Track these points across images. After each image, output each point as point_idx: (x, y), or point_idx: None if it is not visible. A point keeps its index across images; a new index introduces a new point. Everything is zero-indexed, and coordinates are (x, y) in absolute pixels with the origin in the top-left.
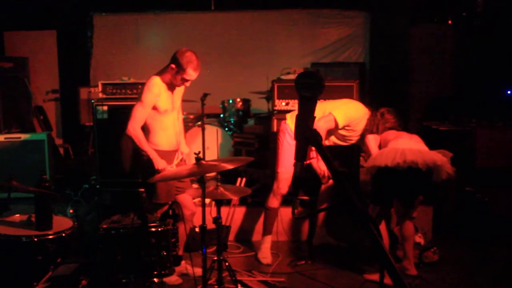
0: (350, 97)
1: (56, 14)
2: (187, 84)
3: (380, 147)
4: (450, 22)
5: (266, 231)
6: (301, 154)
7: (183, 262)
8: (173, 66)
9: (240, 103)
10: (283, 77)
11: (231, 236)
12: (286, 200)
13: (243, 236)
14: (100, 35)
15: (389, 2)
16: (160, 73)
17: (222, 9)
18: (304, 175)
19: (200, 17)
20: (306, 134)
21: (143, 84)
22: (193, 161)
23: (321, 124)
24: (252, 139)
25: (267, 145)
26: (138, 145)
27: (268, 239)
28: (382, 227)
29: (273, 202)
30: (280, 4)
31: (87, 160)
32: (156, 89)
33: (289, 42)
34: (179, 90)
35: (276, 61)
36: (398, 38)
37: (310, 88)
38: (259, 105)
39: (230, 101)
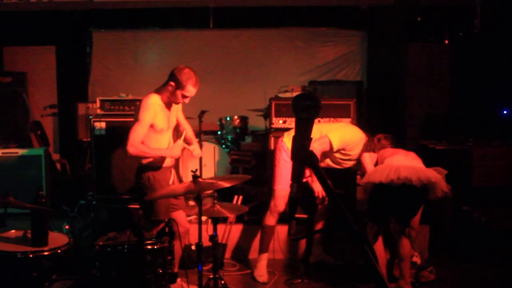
0: (347, 115)
1: (55, 30)
2: (186, 101)
3: (377, 164)
4: (446, 41)
5: (263, 249)
6: (297, 175)
7: (178, 279)
8: (172, 83)
9: (238, 121)
10: (280, 95)
11: (227, 254)
12: (283, 218)
13: (240, 254)
14: (99, 51)
15: (386, 22)
16: (158, 91)
17: (220, 26)
18: (300, 196)
19: (198, 34)
20: (303, 155)
21: (141, 101)
22: (190, 178)
23: (315, 146)
24: (249, 156)
25: (264, 162)
26: (146, 156)
27: (265, 257)
28: (379, 245)
29: (270, 220)
30: (278, 22)
31: (84, 176)
32: (152, 108)
33: (287, 60)
34: (175, 109)
35: (274, 79)
36: (395, 57)
37: (307, 110)
38: (257, 122)
39: (228, 119)
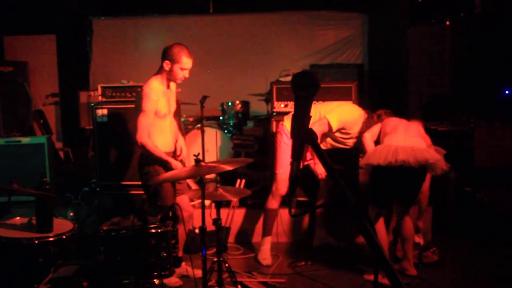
0: (349, 98)
1: (55, 18)
2: (186, 74)
3: (379, 138)
4: (448, 22)
5: (266, 232)
6: (297, 154)
7: (183, 263)
8: (167, 62)
9: (239, 105)
10: (281, 79)
11: (231, 238)
12: (286, 201)
13: (243, 238)
14: (99, 39)
15: (386, 4)
16: (157, 75)
17: (221, 12)
18: (300, 174)
19: (199, 20)
20: (302, 133)
21: (141, 88)
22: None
23: (315, 128)
24: (251, 141)
25: (266, 147)
26: (152, 152)
27: (268, 241)
28: (381, 227)
29: (272, 203)
30: (278, 6)
31: (87, 163)
32: (154, 95)
33: (288, 44)
34: (173, 93)
35: (275, 63)
36: (396, 39)
37: (305, 88)
38: (258, 107)
39: (229, 104)
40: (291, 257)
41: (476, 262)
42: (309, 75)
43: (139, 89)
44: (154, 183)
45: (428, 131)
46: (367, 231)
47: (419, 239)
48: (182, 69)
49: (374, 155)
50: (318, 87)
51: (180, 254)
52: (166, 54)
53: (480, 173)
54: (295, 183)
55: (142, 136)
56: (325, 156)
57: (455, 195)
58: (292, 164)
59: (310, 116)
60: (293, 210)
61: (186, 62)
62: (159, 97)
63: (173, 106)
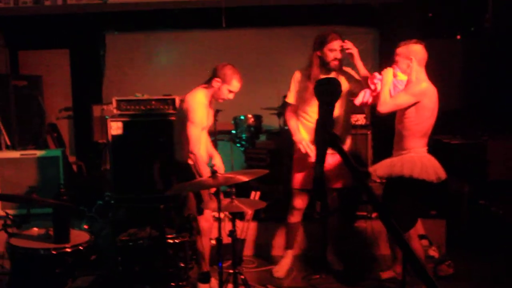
0: (361, 112)
1: (69, 33)
2: (231, 96)
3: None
4: (458, 37)
5: (288, 245)
6: (320, 157)
7: (212, 279)
8: (217, 79)
9: (252, 119)
10: None
11: (245, 251)
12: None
13: (258, 251)
14: (112, 53)
15: (397, 18)
16: (203, 88)
17: (233, 26)
18: (323, 177)
19: (211, 34)
20: (325, 137)
21: (161, 101)
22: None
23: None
24: (264, 154)
25: (279, 160)
26: (199, 166)
27: (289, 254)
28: None
29: (293, 217)
30: (290, 21)
31: (100, 176)
32: (201, 106)
33: (300, 58)
34: (212, 108)
35: (287, 77)
36: None
37: (328, 94)
38: (271, 121)
39: (242, 117)
40: (306, 270)
41: (491, 275)
42: (331, 81)
43: (153, 102)
44: (174, 192)
45: (440, 144)
46: (395, 229)
47: (433, 252)
48: (230, 91)
49: (427, 170)
50: (340, 92)
51: (207, 268)
52: (218, 72)
53: (495, 186)
54: (320, 185)
55: (195, 147)
56: (349, 158)
57: (469, 208)
58: (315, 167)
59: (334, 121)
60: (316, 214)
61: (235, 85)
62: (205, 110)
63: (210, 120)
